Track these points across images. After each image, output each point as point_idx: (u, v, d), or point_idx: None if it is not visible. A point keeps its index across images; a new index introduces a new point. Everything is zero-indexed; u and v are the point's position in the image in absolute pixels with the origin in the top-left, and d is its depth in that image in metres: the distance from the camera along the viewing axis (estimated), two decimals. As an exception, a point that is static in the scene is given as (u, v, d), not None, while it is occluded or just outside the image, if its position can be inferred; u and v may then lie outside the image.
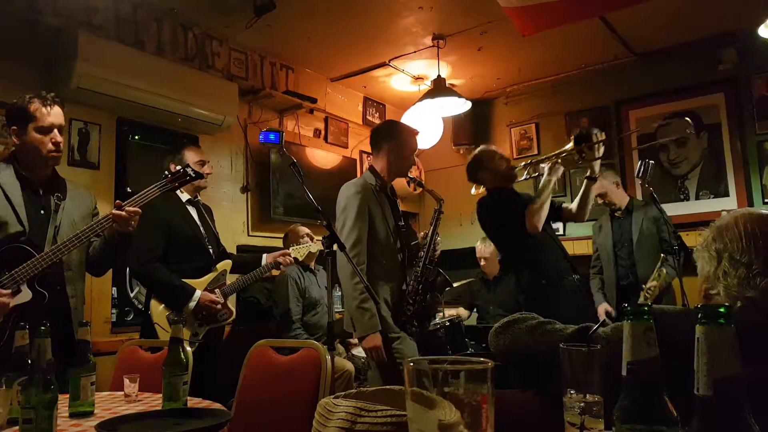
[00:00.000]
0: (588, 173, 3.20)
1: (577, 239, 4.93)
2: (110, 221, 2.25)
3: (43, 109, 2.29)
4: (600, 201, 4.06)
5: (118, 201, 2.28)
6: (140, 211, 2.31)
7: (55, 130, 2.33)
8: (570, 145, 3.15)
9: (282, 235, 4.29)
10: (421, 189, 3.24)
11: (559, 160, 3.15)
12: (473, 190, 3.40)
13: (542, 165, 3.22)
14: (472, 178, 3.35)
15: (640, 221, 3.99)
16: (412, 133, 3.03)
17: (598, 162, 3.16)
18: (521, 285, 3.27)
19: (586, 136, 3.10)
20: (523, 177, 3.34)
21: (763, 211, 1.23)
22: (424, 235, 2.95)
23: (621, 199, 4.13)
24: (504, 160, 3.28)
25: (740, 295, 1.16)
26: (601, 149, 3.13)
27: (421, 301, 2.80)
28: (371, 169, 3.01)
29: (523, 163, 3.35)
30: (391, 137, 2.97)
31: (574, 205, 3.33)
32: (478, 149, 3.36)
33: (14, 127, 2.31)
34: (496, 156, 3.28)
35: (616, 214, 4.12)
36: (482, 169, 3.27)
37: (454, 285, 4.13)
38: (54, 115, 2.33)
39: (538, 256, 3.14)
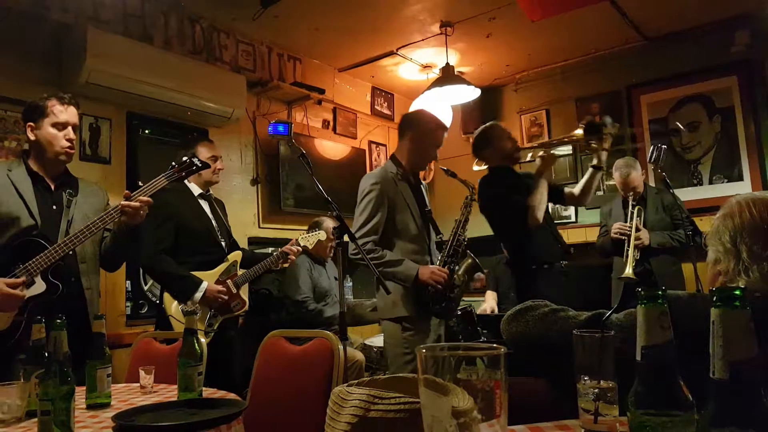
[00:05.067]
0: (594, 161, 3.16)
1: (590, 226, 4.91)
2: (119, 212, 2.27)
3: (60, 107, 2.36)
4: (623, 191, 4.02)
5: (126, 192, 2.30)
6: (150, 200, 2.33)
7: (70, 128, 2.38)
8: (579, 132, 3.11)
9: (293, 227, 4.30)
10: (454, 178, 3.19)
11: (553, 151, 3.15)
12: (475, 167, 3.37)
13: (540, 153, 3.20)
14: (476, 152, 3.32)
15: (653, 209, 3.94)
16: (438, 126, 2.99)
17: (606, 152, 3.13)
18: (512, 267, 3.31)
19: (597, 125, 3.06)
20: (527, 159, 3.32)
21: None
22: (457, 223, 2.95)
23: (641, 186, 4.06)
24: (510, 141, 3.27)
25: (747, 282, 1.16)
26: (610, 141, 3.10)
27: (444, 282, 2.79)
28: (392, 157, 3.01)
29: (529, 146, 3.34)
30: (415, 127, 2.95)
31: (576, 190, 3.32)
32: (488, 124, 3.33)
33: (30, 123, 2.36)
34: (504, 135, 3.26)
35: (630, 200, 4.04)
36: (487, 145, 3.25)
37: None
38: (69, 113, 2.39)
39: (531, 240, 3.13)
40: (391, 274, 2.74)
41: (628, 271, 3.65)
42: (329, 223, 4.00)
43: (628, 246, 3.72)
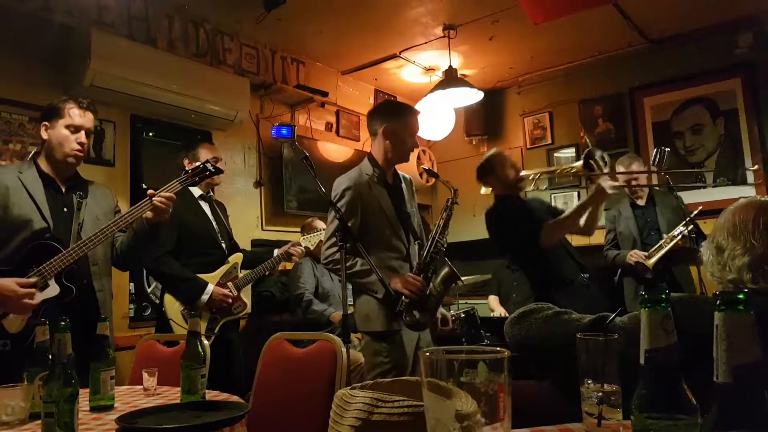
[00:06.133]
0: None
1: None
2: (144, 209, 2.30)
3: (77, 110, 2.38)
4: (629, 190, 4.03)
5: (150, 191, 2.33)
6: (175, 197, 2.38)
7: (83, 132, 2.40)
8: (579, 164, 3.10)
9: (296, 229, 4.31)
10: (434, 180, 3.20)
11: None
12: (482, 190, 3.38)
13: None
14: (481, 179, 3.30)
15: (663, 210, 3.93)
16: (412, 112, 2.77)
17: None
18: (533, 286, 3.26)
19: (594, 156, 3.04)
20: (530, 188, 3.31)
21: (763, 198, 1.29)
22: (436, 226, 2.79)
23: (644, 180, 4.05)
24: (513, 170, 3.23)
25: (723, 279, 1.25)
26: (606, 169, 3.04)
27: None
28: (369, 156, 2.79)
29: (531, 176, 3.31)
30: (387, 118, 2.73)
31: (581, 221, 3.28)
32: (492, 152, 3.30)
33: (45, 123, 2.39)
34: (507, 163, 3.23)
35: (638, 202, 4.04)
36: (491, 174, 3.22)
37: (466, 279, 4.07)
38: (86, 118, 2.42)
39: (546, 260, 3.07)
40: (363, 285, 2.57)
41: (651, 262, 3.67)
42: (319, 224, 4.02)
43: (670, 240, 3.68)
